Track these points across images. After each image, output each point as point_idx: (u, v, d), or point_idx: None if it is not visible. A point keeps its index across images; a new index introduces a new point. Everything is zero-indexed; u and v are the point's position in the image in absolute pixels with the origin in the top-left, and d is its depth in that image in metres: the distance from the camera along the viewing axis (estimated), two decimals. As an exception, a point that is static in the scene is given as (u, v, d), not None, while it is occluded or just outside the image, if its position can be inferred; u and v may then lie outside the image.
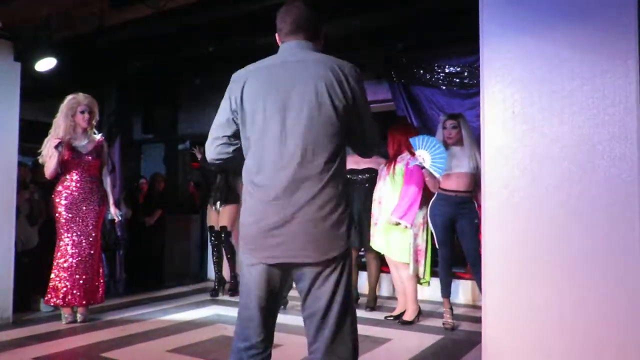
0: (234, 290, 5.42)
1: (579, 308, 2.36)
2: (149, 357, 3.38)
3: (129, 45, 5.26)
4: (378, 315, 4.54)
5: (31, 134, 4.81)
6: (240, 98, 1.79)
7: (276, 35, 1.93)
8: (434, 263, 4.40)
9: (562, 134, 2.42)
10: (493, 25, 2.60)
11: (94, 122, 4.33)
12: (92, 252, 4.21)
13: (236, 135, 1.85)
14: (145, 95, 7.03)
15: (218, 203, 5.50)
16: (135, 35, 4.90)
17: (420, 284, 4.40)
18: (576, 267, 2.37)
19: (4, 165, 4.30)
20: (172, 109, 7.32)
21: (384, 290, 5.57)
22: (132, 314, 4.60)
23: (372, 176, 4.79)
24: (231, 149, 1.86)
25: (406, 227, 4.19)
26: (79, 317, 4.20)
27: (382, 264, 4.84)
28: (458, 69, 5.05)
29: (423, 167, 3.98)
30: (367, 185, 4.79)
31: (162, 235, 6.46)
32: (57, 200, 4.17)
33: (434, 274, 4.40)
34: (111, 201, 4.38)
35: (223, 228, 5.47)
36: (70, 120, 4.20)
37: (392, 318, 4.40)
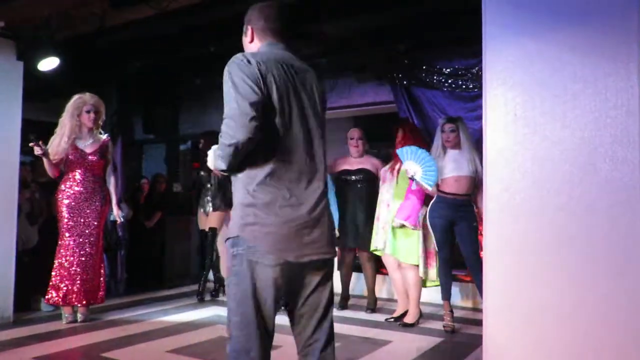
0: (216, 293, 5.47)
1: (580, 310, 2.36)
2: (148, 357, 3.38)
3: (130, 45, 5.26)
4: (378, 317, 4.54)
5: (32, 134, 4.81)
6: (267, 86, 1.69)
7: (250, 28, 1.90)
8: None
9: (564, 136, 2.42)
10: (495, 28, 2.60)
11: (99, 122, 4.34)
12: (93, 252, 4.21)
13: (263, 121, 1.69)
14: (146, 95, 7.03)
15: (210, 207, 5.37)
16: (135, 35, 4.90)
17: (426, 286, 4.39)
18: (577, 269, 2.37)
19: (6, 164, 4.30)
20: (173, 109, 7.33)
21: (383, 293, 5.58)
22: (133, 314, 4.61)
23: (365, 176, 4.79)
24: (260, 132, 1.65)
25: (412, 228, 4.19)
26: (79, 316, 4.20)
27: (378, 264, 4.88)
28: (460, 71, 5.05)
29: (414, 179, 4.01)
30: (360, 185, 4.79)
31: (162, 236, 6.47)
32: (60, 199, 4.17)
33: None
34: (114, 201, 4.38)
35: (213, 229, 5.37)
36: (76, 119, 4.21)
37: (392, 320, 4.40)
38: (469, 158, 4.02)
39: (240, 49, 1.91)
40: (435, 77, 5.16)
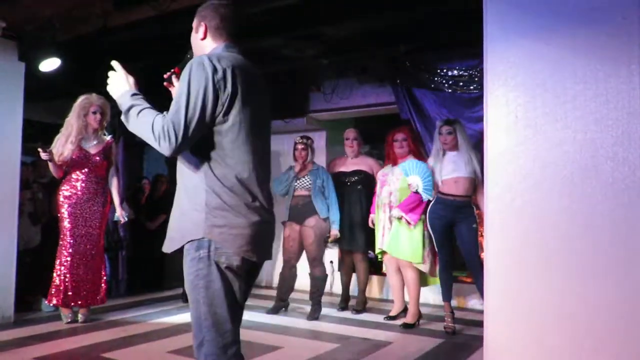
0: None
1: (580, 311, 2.36)
2: (149, 358, 3.38)
3: (132, 46, 5.26)
4: (378, 318, 4.54)
5: (33, 133, 4.83)
6: (231, 92, 1.69)
7: (204, 25, 1.85)
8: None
9: (565, 138, 2.42)
10: (496, 29, 2.61)
11: (104, 123, 4.36)
12: (94, 252, 4.21)
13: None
14: (147, 96, 7.01)
15: None
16: (137, 36, 4.90)
17: (428, 284, 4.47)
18: (578, 270, 2.37)
19: (7, 164, 4.31)
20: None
21: (375, 293, 5.63)
22: (133, 314, 4.61)
23: (361, 178, 4.81)
24: (187, 147, 1.75)
25: (408, 223, 4.21)
26: (80, 317, 4.20)
27: (370, 266, 4.95)
28: (461, 72, 5.05)
29: (417, 192, 4.20)
30: (357, 187, 4.80)
31: (163, 237, 6.44)
32: (62, 199, 4.17)
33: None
34: (117, 202, 4.38)
35: None
36: (83, 120, 4.22)
37: (388, 318, 4.44)
38: (467, 159, 4.07)
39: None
40: (436, 79, 5.17)
